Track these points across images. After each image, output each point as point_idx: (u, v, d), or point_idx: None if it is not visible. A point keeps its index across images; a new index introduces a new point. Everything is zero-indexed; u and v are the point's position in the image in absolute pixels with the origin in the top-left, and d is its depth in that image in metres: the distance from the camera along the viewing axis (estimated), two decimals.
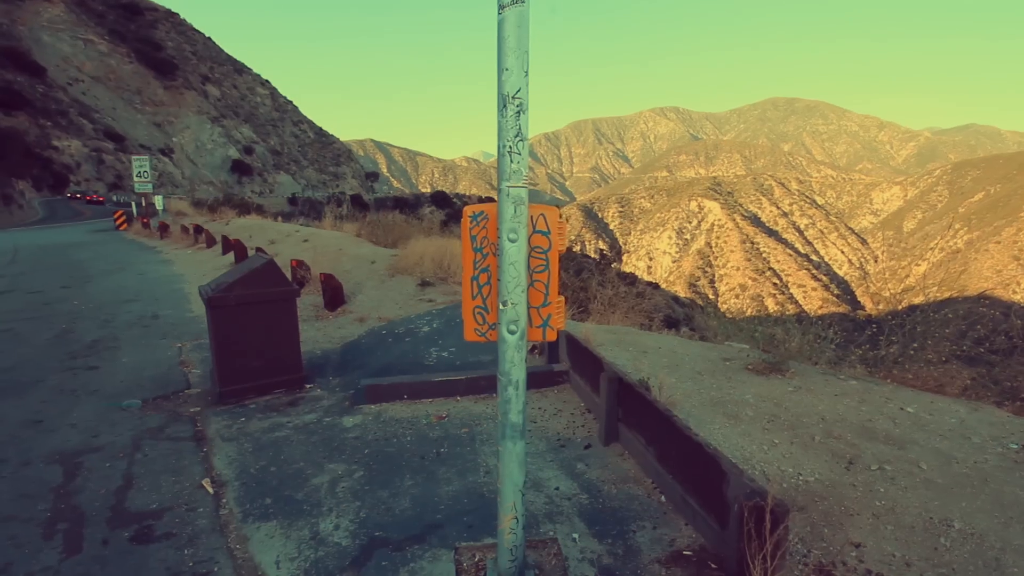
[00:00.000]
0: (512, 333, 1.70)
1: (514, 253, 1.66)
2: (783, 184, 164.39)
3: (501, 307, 1.71)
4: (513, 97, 1.53)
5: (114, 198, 46.00)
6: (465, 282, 1.83)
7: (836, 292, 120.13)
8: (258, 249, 8.59)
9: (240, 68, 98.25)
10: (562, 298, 1.92)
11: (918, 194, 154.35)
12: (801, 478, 2.42)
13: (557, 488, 2.75)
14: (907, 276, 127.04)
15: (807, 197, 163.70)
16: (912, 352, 3.71)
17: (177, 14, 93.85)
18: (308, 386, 4.45)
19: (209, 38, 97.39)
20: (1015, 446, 2.59)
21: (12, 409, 3.90)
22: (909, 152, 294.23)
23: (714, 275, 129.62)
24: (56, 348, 5.43)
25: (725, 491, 2.06)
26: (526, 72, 1.53)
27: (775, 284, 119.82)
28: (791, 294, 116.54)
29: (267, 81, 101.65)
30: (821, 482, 2.38)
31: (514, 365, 1.70)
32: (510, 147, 1.58)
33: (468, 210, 1.86)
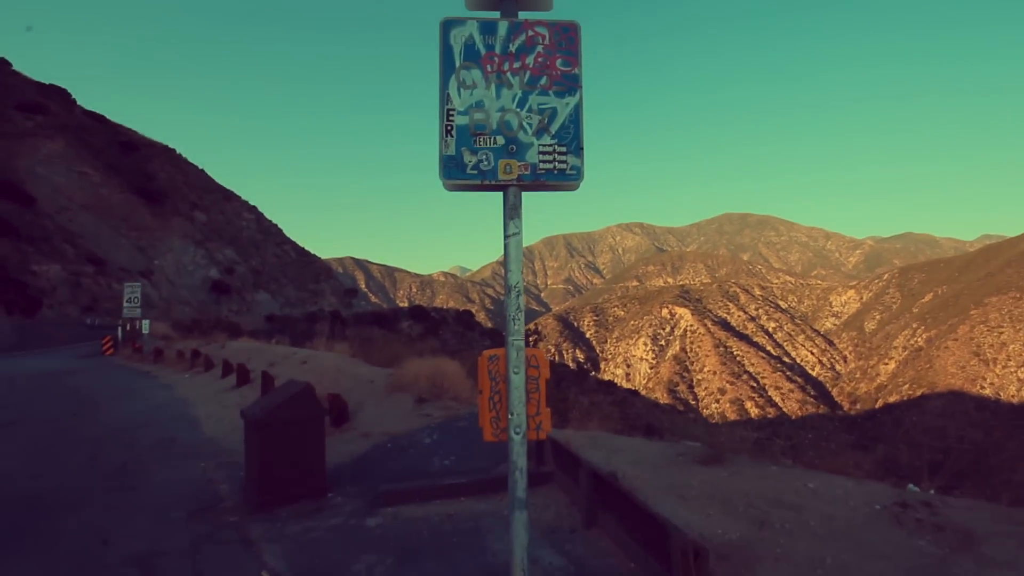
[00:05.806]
0: (517, 434, 2.66)
1: (517, 382, 2.67)
2: (747, 290, 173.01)
3: (510, 416, 2.70)
4: (513, 287, 2.51)
5: (88, 321, 46.01)
6: (483, 401, 2.84)
7: (813, 393, 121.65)
8: (264, 373, 9.38)
9: (229, 195, 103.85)
10: (548, 409, 2.95)
11: (872, 296, 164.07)
12: (726, 536, 3.27)
13: (550, 563, 3.52)
14: (877, 375, 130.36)
15: (771, 302, 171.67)
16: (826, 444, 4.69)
17: (174, 149, 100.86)
18: (329, 495, 5.13)
19: (202, 170, 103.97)
20: (878, 506, 3.51)
21: (73, 522, 4.47)
22: (857, 259, 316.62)
23: (692, 380, 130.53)
24: (91, 471, 5.98)
25: (669, 544, 2.94)
26: (521, 272, 2.50)
27: (752, 387, 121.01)
28: (770, 397, 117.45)
29: (254, 207, 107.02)
30: (740, 538, 3.24)
31: (519, 456, 2.63)
32: (513, 316, 2.60)
33: (486, 353, 2.94)
